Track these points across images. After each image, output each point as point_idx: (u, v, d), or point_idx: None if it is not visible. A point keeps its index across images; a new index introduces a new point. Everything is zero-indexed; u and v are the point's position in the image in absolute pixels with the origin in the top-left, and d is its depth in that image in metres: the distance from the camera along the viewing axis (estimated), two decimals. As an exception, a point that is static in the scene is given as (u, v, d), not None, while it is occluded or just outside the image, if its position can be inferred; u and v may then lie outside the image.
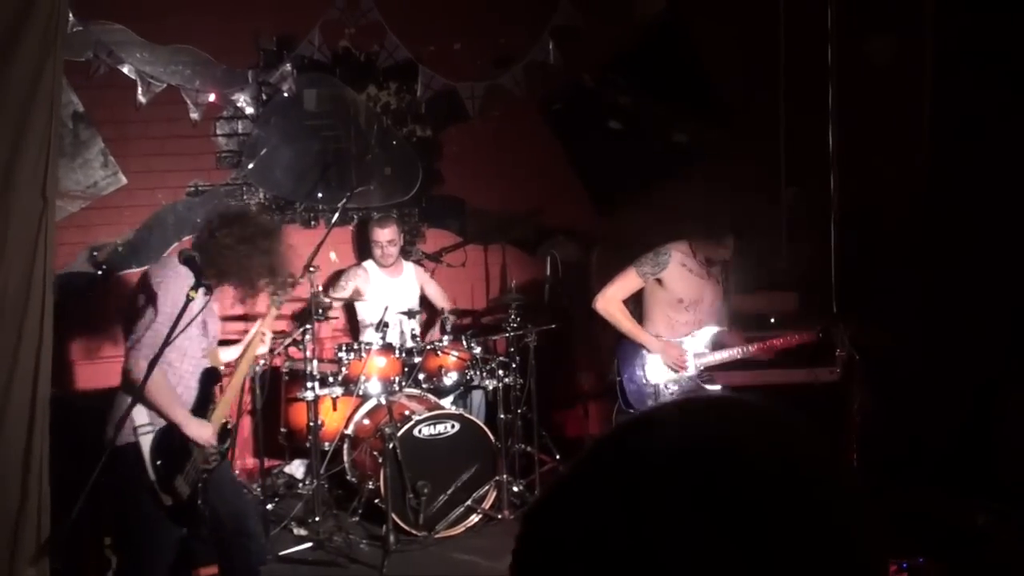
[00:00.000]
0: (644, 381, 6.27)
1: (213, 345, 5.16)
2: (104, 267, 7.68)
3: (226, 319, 7.87)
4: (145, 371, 4.50)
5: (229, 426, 5.11)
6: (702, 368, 6.32)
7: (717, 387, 6.38)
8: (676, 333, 6.27)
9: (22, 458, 3.93)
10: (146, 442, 4.65)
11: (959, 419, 6.61)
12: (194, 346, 4.86)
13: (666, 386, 6.26)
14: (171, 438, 4.71)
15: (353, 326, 8.13)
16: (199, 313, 4.64)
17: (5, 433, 3.88)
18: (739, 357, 6.29)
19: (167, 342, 4.41)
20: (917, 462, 6.44)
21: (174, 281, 4.70)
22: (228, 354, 5.53)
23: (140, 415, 4.66)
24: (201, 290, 4.60)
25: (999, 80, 6.63)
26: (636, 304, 6.41)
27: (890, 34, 7.62)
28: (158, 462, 4.66)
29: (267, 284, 5.00)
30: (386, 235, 7.74)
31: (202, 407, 4.92)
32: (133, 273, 7.55)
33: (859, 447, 6.17)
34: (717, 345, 6.34)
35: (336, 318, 7.95)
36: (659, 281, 6.21)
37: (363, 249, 8.20)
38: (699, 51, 8.99)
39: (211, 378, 5.03)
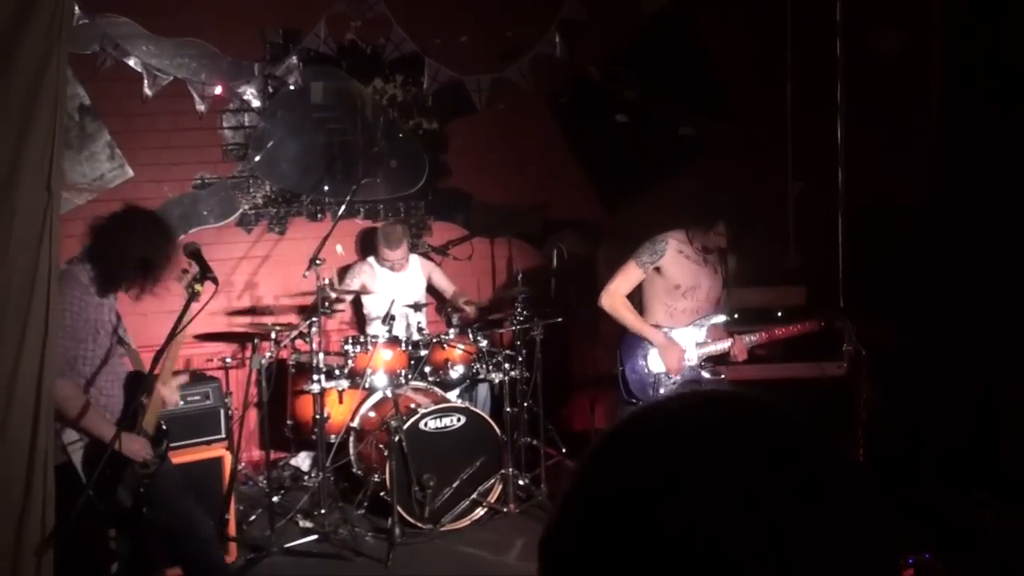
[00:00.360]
0: (646, 371, 6.26)
1: (132, 348, 4.98)
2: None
3: (233, 313, 7.93)
4: (65, 389, 4.46)
5: (164, 427, 4.95)
6: (703, 358, 6.30)
7: (720, 377, 6.37)
8: (677, 322, 6.25)
9: (27, 450, 3.92)
10: (77, 459, 4.54)
11: (965, 415, 6.60)
12: (111, 355, 4.73)
13: (668, 376, 6.24)
14: (100, 450, 4.49)
15: (359, 319, 8.13)
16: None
17: (10, 426, 3.87)
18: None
19: (171, 333, 4.41)
20: (923, 458, 6.44)
21: (73, 294, 4.59)
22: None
23: (68, 433, 4.55)
24: (207, 283, 4.59)
25: (1007, 76, 6.62)
26: (636, 297, 6.39)
27: (898, 29, 7.60)
28: (92, 476, 4.56)
29: (142, 284, 4.82)
30: (397, 255, 7.73)
31: (132, 414, 4.74)
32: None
33: (865, 442, 6.15)
34: (718, 335, 6.32)
35: (343, 311, 7.96)
36: (657, 270, 6.20)
37: (367, 245, 8.19)
38: (705, 45, 8.98)
39: (136, 383, 4.84)
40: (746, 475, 0.92)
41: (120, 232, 4.77)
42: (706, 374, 6.29)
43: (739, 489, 0.91)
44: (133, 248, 4.71)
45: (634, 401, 6.23)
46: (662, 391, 6.21)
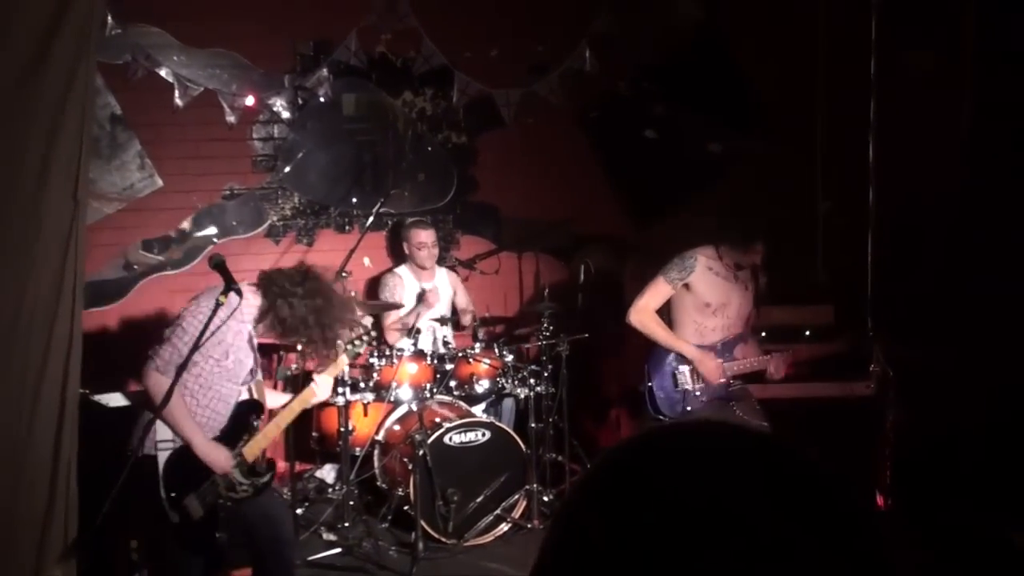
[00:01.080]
0: (674, 388, 6.20)
1: (255, 377, 5.09)
2: (135, 268, 7.74)
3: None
4: (160, 384, 4.52)
5: (271, 461, 5.06)
6: (733, 376, 6.23)
7: (749, 391, 6.30)
8: (706, 339, 6.18)
9: (51, 459, 3.93)
10: (162, 457, 4.63)
11: (995, 436, 6.52)
12: (220, 374, 4.80)
13: (696, 392, 6.18)
14: (188, 457, 4.68)
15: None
16: (225, 321, 4.62)
17: (34, 434, 3.88)
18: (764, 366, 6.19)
19: (192, 352, 4.42)
20: (952, 479, 6.37)
21: (219, 313, 4.65)
22: (274, 399, 5.43)
23: (163, 430, 4.64)
24: (231, 295, 4.60)
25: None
26: (664, 314, 6.33)
27: (930, 48, 7.55)
28: (170, 477, 4.64)
29: (325, 340, 4.98)
30: (430, 236, 7.76)
31: (233, 437, 4.86)
32: (166, 277, 7.69)
33: (893, 463, 6.10)
34: (749, 353, 6.25)
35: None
36: (687, 286, 6.12)
37: (397, 255, 8.19)
38: (737, 61, 8.95)
39: (250, 409, 4.98)
40: (752, 510, 0.90)
41: (279, 288, 4.89)
42: (728, 388, 6.22)
43: (744, 523, 0.89)
44: (302, 312, 4.85)
45: (661, 418, 6.18)
46: (690, 408, 6.16)
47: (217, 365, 4.76)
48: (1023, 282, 6.40)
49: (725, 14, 8.88)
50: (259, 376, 5.14)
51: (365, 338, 5.24)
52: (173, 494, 4.66)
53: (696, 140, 8.95)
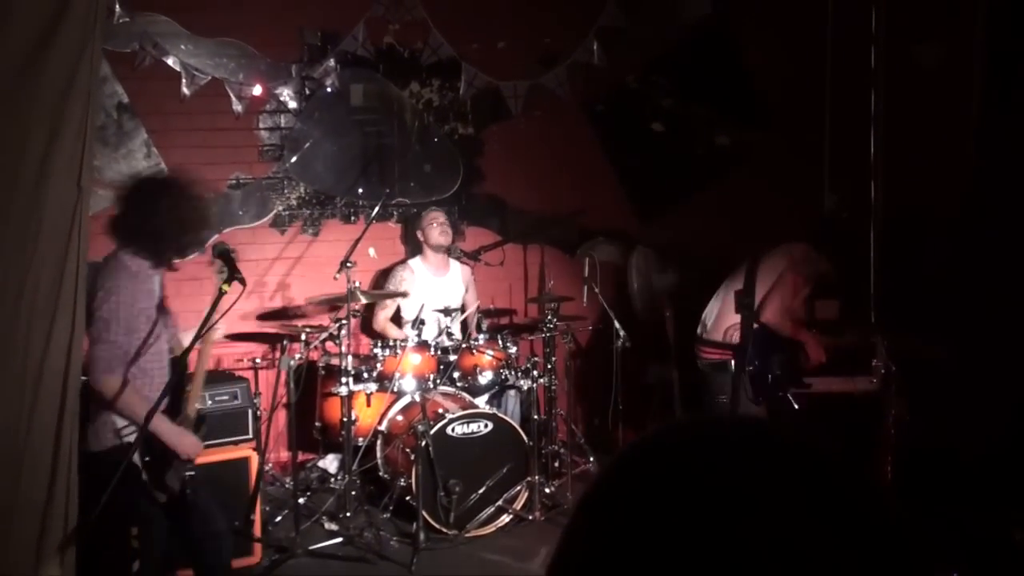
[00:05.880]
0: (775, 374, 6.25)
1: (175, 335, 4.98)
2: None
3: (265, 315, 7.94)
4: (114, 384, 4.47)
5: (202, 414, 4.93)
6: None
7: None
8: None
9: (52, 445, 3.94)
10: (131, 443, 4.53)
11: (998, 431, 6.51)
12: (160, 343, 4.72)
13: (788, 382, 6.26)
14: (150, 438, 4.55)
15: (395, 322, 8.11)
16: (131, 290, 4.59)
17: (35, 422, 3.89)
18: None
19: (198, 333, 4.41)
20: (954, 475, 6.36)
21: (125, 285, 4.59)
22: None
23: (119, 419, 4.56)
24: (235, 283, 4.59)
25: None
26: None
27: (938, 41, 7.53)
28: (147, 458, 4.58)
29: (186, 243, 4.84)
30: (441, 216, 7.85)
31: (174, 403, 4.73)
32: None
33: (894, 459, 6.09)
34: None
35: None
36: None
37: (412, 245, 8.20)
38: (743, 54, 8.94)
39: (177, 370, 4.80)
40: (768, 500, 0.89)
41: (145, 204, 4.73)
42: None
43: (762, 514, 0.88)
44: (164, 213, 4.67)
45: (759, 402, 6.24)
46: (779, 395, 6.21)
47: (147, 334, 4.64)
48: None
49: (732, 7, 8.88)
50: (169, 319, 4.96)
51: (227, 276, 4.89)
52: (155, 476, 4.60)
53: (703, 134, 8.95)
